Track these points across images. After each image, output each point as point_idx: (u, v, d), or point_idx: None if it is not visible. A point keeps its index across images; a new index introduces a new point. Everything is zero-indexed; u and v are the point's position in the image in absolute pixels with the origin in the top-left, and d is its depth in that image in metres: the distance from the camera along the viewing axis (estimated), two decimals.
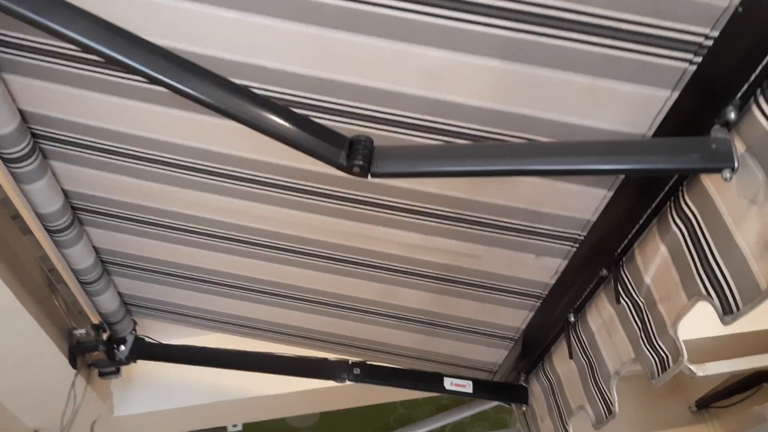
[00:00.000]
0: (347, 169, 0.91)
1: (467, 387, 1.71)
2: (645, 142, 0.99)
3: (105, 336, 1.85)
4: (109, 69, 1.11)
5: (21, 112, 1.22)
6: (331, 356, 1.80)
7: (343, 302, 1.68)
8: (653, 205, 1.11)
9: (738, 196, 0.90)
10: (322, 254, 1.50)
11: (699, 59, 0.88)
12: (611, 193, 1.15)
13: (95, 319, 1.82)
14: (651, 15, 0.84)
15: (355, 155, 0.90)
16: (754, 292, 0.88)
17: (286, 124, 0.91)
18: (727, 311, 0.94)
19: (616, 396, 1.31)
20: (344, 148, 0.91)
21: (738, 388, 2.68)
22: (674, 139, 0.93)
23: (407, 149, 1.05)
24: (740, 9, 0.80)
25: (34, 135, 1.27)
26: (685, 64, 0.89)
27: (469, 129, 1.07)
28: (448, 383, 1.72)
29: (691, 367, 2.14)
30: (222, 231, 1.50)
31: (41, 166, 1.31)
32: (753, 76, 0.84)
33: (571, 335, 1.46)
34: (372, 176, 0.91)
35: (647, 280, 1.15)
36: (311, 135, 0.91)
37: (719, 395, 2.80)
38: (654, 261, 1.12)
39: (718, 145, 0.88)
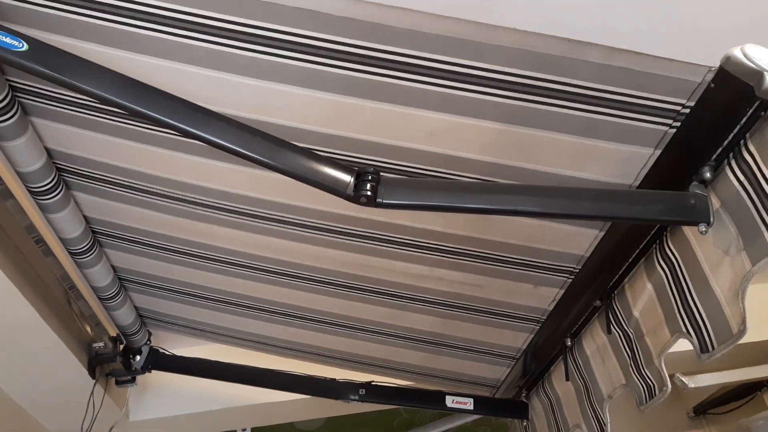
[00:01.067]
0: (354, 199, 0.96)
1: (468, 404, 1.80)
2: (631, 193, 1.08)
3: (121, 347, 1.95)
4: (130, 119, 1.20)
5: (47, 150, 1.32)
6: (339, 376, 1.89)
7: (351, 323, 1.76)
8: (641, 246, 1.20)
9: (714, 246, 0.99)
10: (333, 281, 1.59)
11: (678, 123, 0.97)
12: (602, 233, 1.23)
13: (113, 331, 1.93)
14: (633, 88, 0.93)
15: (362, 186, 0.95)
16: (727, 334, 0.97)
17: (294, 158, 0.97)
18: (704, 350, 1.03)
19: (608, 418, 1.40)
20: (351, 180, 0.96)
21: (734, 395, 2.76)
22: (657, 192, 1.02)
23: (412, 182, 1.12)
24: (712, 85, 0.88)
25: (58, 169, 1.37)
26: (665, 128, 0.98)
27: (470, 177, 1.16)
28: (450, 401, 1.81)
29: (683, 379, 2.23)
30: (236, 259, 1.59)
31: (65, 197, 1.40)
32: (725, 142, 0.92)
33: (568, 358, 1.55)
34: (378, 206, 0.96)
35: (636, 313, 1.23)
36: (318, 167, 0.97)
37: (716, 402, 2.88)
38: (642, 297, 1.21)
39: (696, 201, 0.96)
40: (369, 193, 0.96)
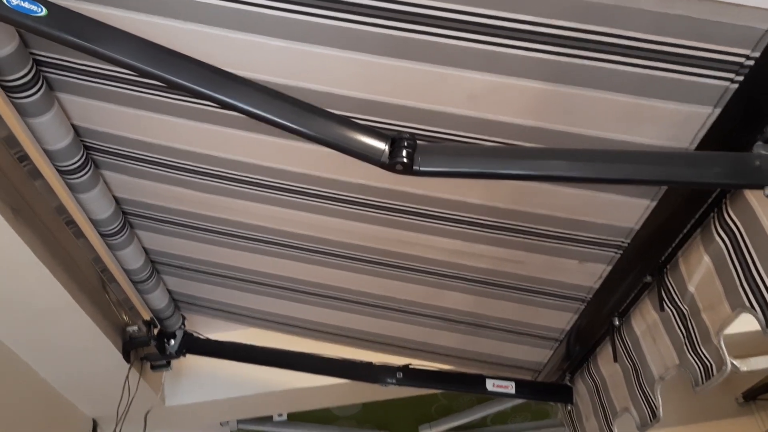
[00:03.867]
0: (390, 167, 0.91)
1: (510, 388, 1.74)
2: (688, 155, 1.00)
3: (156, 331, 1.94)
4: (157, 89, 1.16)
5: (74, 127, 1.29)
6: (375, 359, 1.85)
7: (387, 303, 1.72)
8: (697, 216, 1.12)
9: None
10: (367, 258, 1.54)
11: (740, 78, 0.89)
12: (654, 203, 1.16)
13: (146, 315, 1.92)
14: (692, 38, 0.85)
15: (398, 153, 0.89)
16: None
17: (327, 125, 0.92)
18: None
19: (660, 400, 1.33)
20: (386, 147, 0.91)
21: None
22: (717, 153, 0.94)
23: (451, 147, 1.05)
24: None
25: (86, 147, 1.34)
26: (727, 83, 0.90)
27: (511, 143, 1.09)
28: (491, 384, 1.76)
29: (734, 362, 2.13)
30: (270, 236, 1.55)
31: (93, 175, 1.38)
32: None
33: (616, 338, 1.48)
34: (414, 174, 0.90)
35: (691, 288, 1.16)
36: (352, 134, 0.92)
37: (766, 387, 2.77)
38: (698, 270, 1.13)
39: (761, 162, 0.89)
40: (405, 160, 0.90)
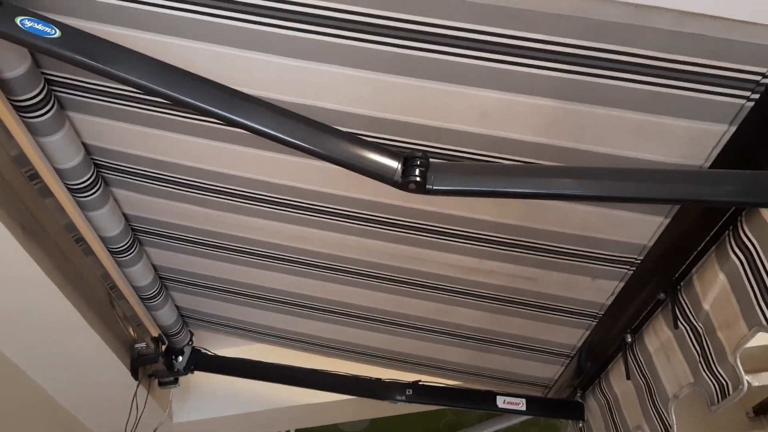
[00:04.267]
0: (402, 186, 0.90)
1: (520, 405, 1.73)
2: (702, 173, 0.99)
3: (164, 348, 1.94)
4: (167, 108, 1.17)
5: (85, 145, 1.29)
6: (384, 375, 1.83)
7: (397, 319, 1.71)
8: (711, 233, 1.11)
9: None
10: (377, 274, 1.54)
11: (756, 95, 0.88)
12: (668, 220, 1.15)
13: (154, 332, 1.91)
14: (706, 56, 0.84)
15: (411, 171, 0.88)
16: None
17: (339, 144, 0.91)
18: None
19: (674, 418, 1.31)
20: (399, 166, 0.90)
21: None
22: (732, 171, 0.93)
23: (464, 166, 1.04)
24: None
25: (97, 165, 1.34)
26: (742, 101, 0.89)
27: (522, 161, 1.08)
28: (501, 401, 1.74)
29: (747, 378, 2.11)
30: (279, 253, 1.54)
31: (104, 193, 1.38)
32: None
33: (629, 355, 1.46)
34: (428, 193, 0.89)
35: (706, 306, 1.14)
36: (364, 152, 0.91)
37: None
38: (713, 288, 1.12)
39: None
40: (418, 178, 0.89)
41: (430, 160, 0.91)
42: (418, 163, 0.90)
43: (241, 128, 0.91)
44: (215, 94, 0.91)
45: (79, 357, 1.66)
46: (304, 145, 0.91)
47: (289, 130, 0.91)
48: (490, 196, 0.96)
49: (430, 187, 0.90)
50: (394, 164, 0.92)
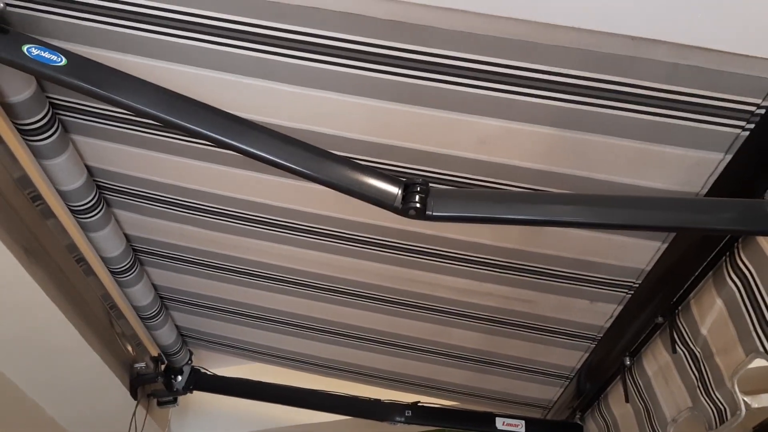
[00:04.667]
0: (402, 212, 0.91)
1: (519, 426, 1.72)
2: (698, 201, 1.00)
3: (163, 367, 1.94)
4: (169, 132, 1.18)
5: (87, 167, 1.30)
6: (383, 396, 1.83)
7: (395, 340, 1.71)
8: (708, 259, 1.12)
9: None
10: (376, 296, 1.54)
11: (751, 126, 0.89)
12: (665, 245, 1.16)
13: (154, 351, 1.91)
14: (703, 87, 0.86)
15: (411, 198, 0.90)
16: None
17: (339, 170, 0.92)
18: None
19: None
20: (399, 192, 0.91)
21: None
22: (728, 200, 0.94)
23: (463, 192, 1.06)
24: None
25: (99, 187, 1.35)
26: (738, 130, 0.91)
27: (521, 187, 1.10)
28: (500, 423, 1.74)
29: (745, 398, 2.10)
30: (279, 274, 1.55)
31: (105, 214, 1.39)
32: None
33: (627, 378, 1.46)
34: (428, 219, 0.90)
35: (703, 331, 1.15)
36: (364, 179, 0.92)
37: None
38: (710, 313, 1.12)
39: None
40: (418, 205, 0.90)
41: (430, 186, 0.92)
42: (418, 189, 0.91)
43: (242, 154, 0.92)
44: (217, 120, 0.92)
45: (79, 377, 1.66)
46: (305, 171, 0.92)
47: (290, 157, 0.92)
48: (489, 222, 0.96)
49: (430, 213, 0.91)
50: (395, 190, 0.93)
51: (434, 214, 0.91)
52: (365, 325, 1.68)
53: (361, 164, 0.96)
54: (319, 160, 0.94)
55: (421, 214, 0.91)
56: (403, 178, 0.94)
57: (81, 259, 1.46)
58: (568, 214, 0.92)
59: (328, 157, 0.94)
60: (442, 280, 1.41)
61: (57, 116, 1.17)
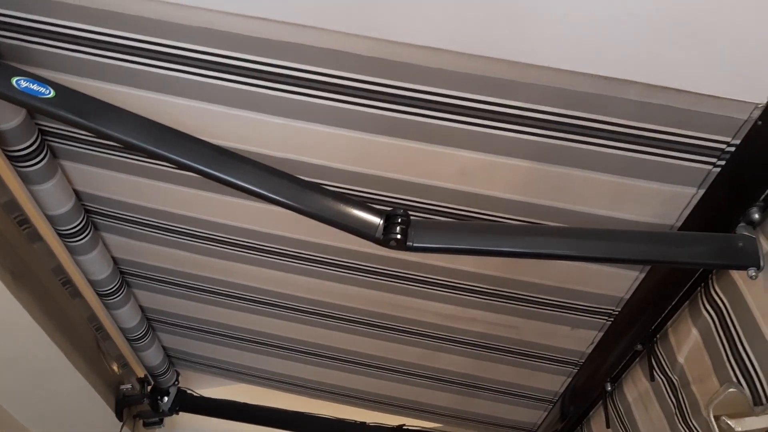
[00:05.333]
0: (384, 243, 0.92)
1: None
2: (673, 235, 1.02)
3: (149, 388, 1.94)
4: (157, 160, 1.19)
5: (76, 192, 1.32)
6: (369, 419, 1.84)
7: (381, 363, 1.72)
8: (684, 289, 1.14)
9: (765, 291, 0.93)
10: (362, 320, 1.56)
11: (722, 162, 0.92)
12: (643, 275, 1.18)
13: (140, 372, 1.92)
14: (674, 125, 0.88)
15: (392, 229, 0.91)
16: None
17: (322, 201, 0.94)
18: (757, 402, 0.96)
19: None
20: (380, 222, 0.93)
21: None
22: (701, 234, 0.96)
23: (443, 224, 1.09)
24: (759, 122, 0.84)
25: (87, 211, 1.37)
26: (709, 167, 0.93)
27: (500, 217, 1.12)
28: None
29: (729, 422, 2.11)
30: (265, 297, 1.56)
31: (93, 238, 1.40)
32: None
33: (609, 404, 1.48)
34: (408, 250, 0.92)
35: (680, 359, 1.17)
36: (346, 210, 0.94)
37: None
38: (687, 342, 1.14)
39: (744, 243, 0.91)
40: (399, 236, 0.92)
41: (411, 217, 0.94)
42: (400, 220, 0.93)
43: (225, 185, 0.94)
44: (201, 152, 0.94)
45: (64, 399, 1.67)
46: (288, 202, 0.94)
47: (274, 189, 0.94)
48: (468, 254, 0.99)
49: (411, 244, 0.93)
50: (376, 221, 0.94)
51: (414, 245, 0.93)
52: (352, 348, 1.69)
53: (344, 195, 0.98)
54: (302, 191, 0.96)
55: (401, 245, 0.93)
56: (387, 207, 0.96)
57: (67, 282, 1.47)
58: (546, 247, 0.94)
59: (312, 188, 0.96)
60: (427, 305, 1.43)
61: (46, 142, 1.18)
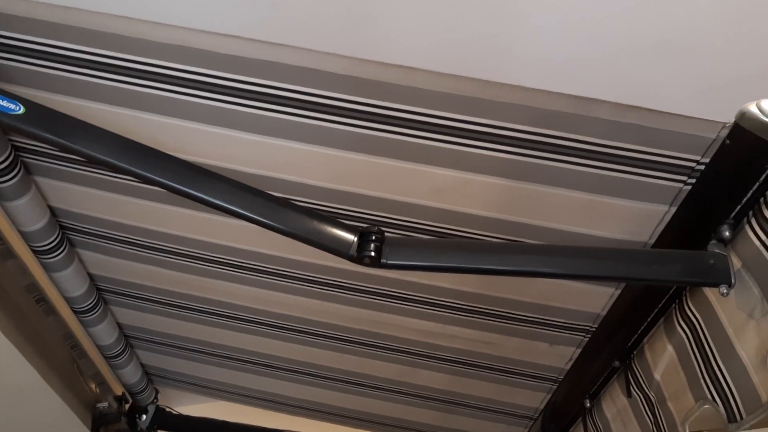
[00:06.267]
0: (358, 260, 0.92)
1: None
2: (646, 253, 1.03)
3: (127, 406, 1.91)
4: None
5: (50, 208, 1.31)
6: None
7: (362, 380, 1.71)
8: (660, 305, 1.14)
9: (737, 308, 0.93)
10: (342, 337, 1.55)
11: (693, 180, 0.93)
12: (618, 291, 1.18)
13: (118, 390, 1.89)
14: (644, 144, 0.89)
15: (366, 246, 0.91)
16: (755, 403, 0.91)
17: (296, 219, 0.94)
18: (731, 419, 0.96)
19: None
20: (354, 240, 0.92)
21: None
22: (674, 252, 0.97)
23: (418, 241, 1.08)
24: (727, 141, 0.85)
25: (62, 227, 1.36)
26: (680, 185, 0.94)
27: (475, 234, 1.12)
28: None
29: None
30: (243, 314, 1.55)
31: (68, 254, 1.39)
32: (744, 199, 0.88)
33: (588, 421, 1.48)
34: (382, 267, 0.92)
35: (657, 376, 1.17)
36: (320, 227, 0.93)
37: None
38: (662, 359, 1.14)
39: (715, 261, 0.91)
40: (373, 253, 0.92)
41: (386, 234, 0.94)
42: (374, 238, 0.93)
43: (198, 202, 0.94)
44: (174, 169, 0.93)
45: (39, 418, 1.64)
46: (261, 220, 0.94)
47: (247, 206, 0.94)
48: (443, 271, 0.98)
49: (385, 261, 0.93)
50: (350, 238, 0.94)
51: (389, 262, 0.93)
52: (331, 365, 1.68)
53: (317, 212, 0.97)
54: (275, 209, 0.95)
55: (375, 262, 0.92)
56: (361, 224, 0.95)
57: (41, 299, 1.45)
58: (521, 265, 0.94)
59: (285, 205, 0.96)
60: (405, 322, 1.42)
61: (19, 158, 1.17)
